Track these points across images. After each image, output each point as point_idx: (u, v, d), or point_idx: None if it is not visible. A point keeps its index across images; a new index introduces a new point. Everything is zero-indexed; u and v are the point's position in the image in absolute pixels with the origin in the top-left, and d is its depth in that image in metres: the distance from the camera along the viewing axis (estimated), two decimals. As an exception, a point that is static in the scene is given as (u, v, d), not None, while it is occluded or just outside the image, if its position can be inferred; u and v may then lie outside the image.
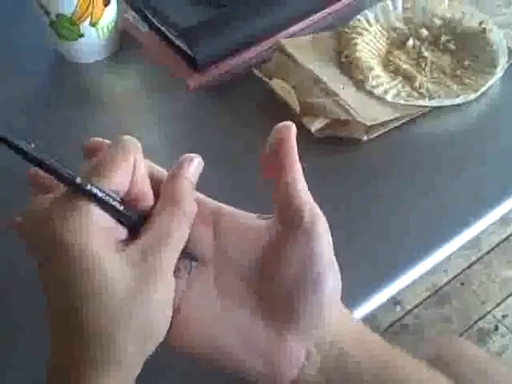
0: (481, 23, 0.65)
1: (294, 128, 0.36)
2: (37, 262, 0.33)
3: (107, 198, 0.31)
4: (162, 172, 0.37)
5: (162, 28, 0.67)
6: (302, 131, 0.57)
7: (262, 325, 0.36)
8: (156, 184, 0.36)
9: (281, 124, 0.36)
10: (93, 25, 0.64)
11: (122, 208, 0.32)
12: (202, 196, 0.38)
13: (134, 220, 0.33)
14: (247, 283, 0.36)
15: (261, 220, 0.38)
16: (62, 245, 0.30)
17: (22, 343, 0.46)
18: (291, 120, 0.36)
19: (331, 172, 0.57)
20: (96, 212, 0.31)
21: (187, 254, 0.36)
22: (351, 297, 0.46)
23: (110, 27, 0.66)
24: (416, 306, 1.43)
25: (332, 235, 0.37)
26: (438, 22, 0.66)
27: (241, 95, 0.64)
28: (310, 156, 0.56)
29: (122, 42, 0.70)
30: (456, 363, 0.67)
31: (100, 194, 0.31)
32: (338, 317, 0.37)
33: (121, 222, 0.33)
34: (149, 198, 0.35)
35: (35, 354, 0.44)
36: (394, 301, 1.42)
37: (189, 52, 0.64)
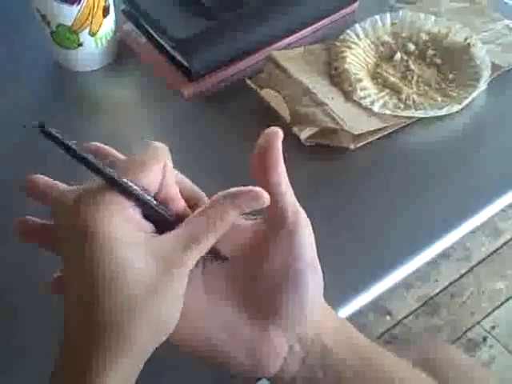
0: (466, 39, 0.67)
1: (280, 133, 0.38)
2: (61, 252, 0.34)
3: (142, 193, 0.33)
4: (189, 182, 0.39)
5: (159, 39, 0.69)
6: (292, 139, 0.59)
7: (246, 319, 0.37)
8: (184, 192, 0.38)
9: (269, 129, 0.38)
10: (92, 34, 0.66)
11: (155, 203, 0.34)
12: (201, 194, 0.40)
13: (167, 217, 0.35)
14: (233, 280, 0.38)
15: (247, 220, 0.40)
16: (90, 233, 0.31)
17: (24, 341, 0.48)
18: (282, 128, 0.38)
19: (320, 178, 0.59)
20: (126, 204, 0.33)
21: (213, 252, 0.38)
22: (336, 297, 0.48)
23: (108, 37, 0.68)
24: (406, 317, 1.45)
25: (319, 240, 0.39)
26: (424, 36, 0.68)
27: (234, 104, 0.66)
28: (300, 163, 0.59)
29: (120, 52, 0.72)
30: (443, 368, 0.68)
31: (135, 188, 0.33)
32: (322, 315, 0.39)
33: (149, 218, 0.35)
34: (177, 202, 0.36)
35: (38, 352, 0.45)
36: (385, 311, 1.44)
37: (184, 62, 0.66)
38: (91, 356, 0.31)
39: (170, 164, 0.36)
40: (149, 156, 0.34)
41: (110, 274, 0.31)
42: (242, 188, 0.35)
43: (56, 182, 0.38)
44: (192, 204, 0.38)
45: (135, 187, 0.33)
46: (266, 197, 0.35)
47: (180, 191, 0.37)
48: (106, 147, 0.40)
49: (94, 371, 0.31)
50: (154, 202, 0.34)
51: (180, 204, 0.37)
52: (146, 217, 0.35)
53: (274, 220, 0.37)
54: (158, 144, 0.36)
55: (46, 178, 0.38)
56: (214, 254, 0.37)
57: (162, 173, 0.35)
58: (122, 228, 0.32)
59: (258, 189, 0.35)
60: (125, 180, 0.32)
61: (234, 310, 0.37)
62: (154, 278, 0.32)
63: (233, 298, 0.38)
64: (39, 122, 0.30)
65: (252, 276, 0.38)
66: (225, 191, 0.35)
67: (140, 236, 0.33)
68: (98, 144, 0.40)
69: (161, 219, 0.35)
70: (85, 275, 0.32)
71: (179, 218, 0.36)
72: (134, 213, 0.33)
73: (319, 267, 0.38)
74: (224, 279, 0.38)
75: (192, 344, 0.37)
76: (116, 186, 0.32)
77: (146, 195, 0.34)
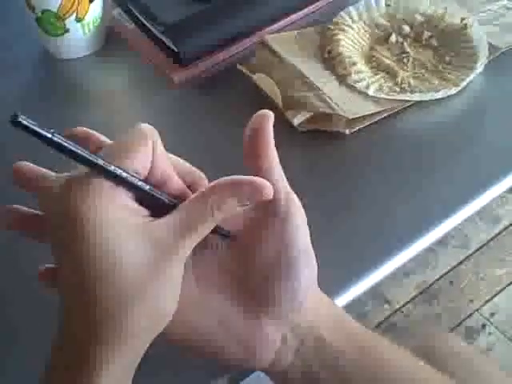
0: (462, 20, 0.65)
1: (271, 116, 0.37)
2: (51, 241, 0.33)
3: (132, 177, 0.32)
4: (184, 162, 0.38)
5: (147, 24, 0.68)
6: (285, 125, 0.58)
7: (239, 309, 0.36)
8: (180, 172, 0.36)
9: (259, 112, 0.37)
10: (78, 20, 0.64)
11: (148, 188, 0.33)
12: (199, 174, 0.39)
13: (163, 200, 0.34)
14: (224, 268, 0.37)
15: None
16: (80, 219, 0.30)
17: (21, 337, 0.47)
18: (274, 114, 0.37)
19: (314, 165, 0.57)
20: (117, 190, 0.31)
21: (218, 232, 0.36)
22: (333, 285, 0.47)
23: (95, 23, 0.66)
24: (404, 305, 1.44)
25: (315, 227, 0.38)
26: (420, 18, 0.67)
27: (225, 90, 0.64)
28: (293, 149, 0.57)
29: (108, 38, 0.70)
30: (441, 356, 0.67)
31: (124, 175, 0.31)
32: (316, 303, 0.38)
33: (143, 203, 0.33)
34: (173, 182, 0.35)
35: (35, 348, 0.44)
36: (383, 299, 1.43)
37: (174, 48, 0.65)
38: (89, 344, 0.30)
39: (159, 144, 0.34)
40: (135, 138, 0.33)
41: (105, 260, 0.30)
42: (245, 177, 0.34)
43: (42, 169, 0.37)
44: (190, 184, 0.37)
45: (124, 173, 0.31)
46: (269, 189, 0.34)
47: (176, 172, 0.36)
48: (93, 132, 0.38)
49: (92, 360, 0.30)
50: (146, 185, 0.33)
51: (177, 184, 0.35)
52: (141, 202, 0.33)
53: (266, 207, 0.36)
54: (144, 125, 0.34)
55: (32, 165, 0.37)
56: (215, 232, 0.36)
57: (151, 154, 0.33)
58: (114, 214, 0.31)
59: (262, 180, 0.34)
60: (112, 166, 0.31)
61: (225, 299, 0.36)
62: (150, 265, 0.31)
63: (224, 287, 0.37)
64: (11, 116, 0.27)
65: (244, 264, 0.37)
66: (226, 178, 0.34)
67: (134, 221, 0.32)
68: (84, 129, 0.38)
69: (156, 202, 0.34)
70: (78, 263, 0.31)
71: (178, 198, 0.35)
72: (125, 198, 0.32)
73: (313, 254, 0.37)
74: (215, 267, 0.37)
75: (183, 336, 0.36)
76: (104, 173, 0.31)
77: (136, 179, 0.32)
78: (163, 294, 0.32)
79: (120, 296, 0.30)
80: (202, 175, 0.38)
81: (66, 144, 0.30)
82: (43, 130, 0.29)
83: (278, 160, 0.37)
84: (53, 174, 0.36)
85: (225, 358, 0.37)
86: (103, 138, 0.39)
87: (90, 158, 0.31)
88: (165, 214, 0.33)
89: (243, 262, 0.37)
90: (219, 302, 0.36)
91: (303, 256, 0.36)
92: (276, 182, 0.36)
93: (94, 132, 0.39)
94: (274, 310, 0.36)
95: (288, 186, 0.37)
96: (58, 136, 0.29)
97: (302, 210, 0.37)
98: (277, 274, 0.36)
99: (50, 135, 0.29)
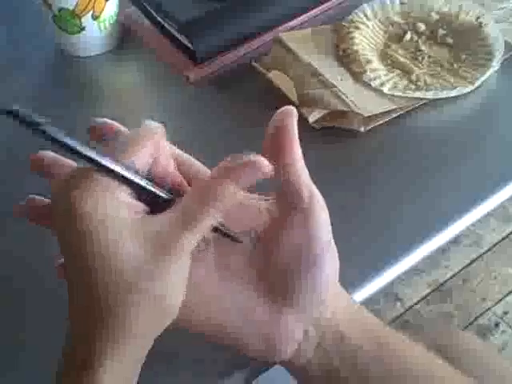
0: (477, 18, 0.65)
1: (294, 112, 0.37)
2: (57, 235, 0.33)
3: (130, 174, 0.32)
4: (187, 157, 0.38)
5: (163, 22, 0.68)
6: (300, 122, 0.57)
7: (260, 302, 0.36)
8: (182, 168, 0.37)
9: (282, 108, 0.37)
10: (94, 18, 0.65)
11: (146, 184, 0.33)
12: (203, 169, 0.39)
13: (162, 195, 0.34)
14: (246, 262, 0.37)
15: (261, 201, 0.39)
16: (79, 215, 0.30)
17: (24, 331, 0.47)
18: None
19: (330, 162, 0.57)
20: (113, 185, 0.31)
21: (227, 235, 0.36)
22: (349, 282, 0.47)
23: (111, 21, 0.67)
24: (417, 303, 1.44)
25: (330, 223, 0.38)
26: (435, 16, 0.66)
27: (240, 88, 0.64)
28: (309, 147, 0.57)
29: (123, 36, 0.71)
30: (456, 354, 0.67)
31: (122, 171, 0.31)
32: (336, 297, 0.38)
33: (142, 198, 0.33)
34: (173, 179, 0.35)
35: (40, 344, 0.45)
36: (395, 297, 1.43)
37: (189, 45, 0.65)
38: (93, 341, 0.31)
39: (163, 140, 0.34)
40: (138, 134, 0.33)
41: (101, 256, 0.30)
42: (241, 160, 0.32)
43: (60, 157, 0.37)
44: (191, 178, 0.37)
45: (122, 169, 0.31)
46: (266, 165, 0.32)
47: (179, 167, 0.36)
48: (116, 124, 0.38)
49: (97, 357, 0.30)
50: (145, 180, 0.33)
51: (178, 179, 0.35)
52: (140, 198, 0.33)
53: (288, 202, 0.36)
54: (149, 122, 0.35)
55: (51, 154, 0.37)
56: (224, 235, 0.36)
57: (153, 150, 0.33)
58: (111, 209, 0.31)
59: (257, 157, 0.32)
60: (113, 164, 0.31)
61: (247, 294, 0.37)
62: (149, 261, 0.31)
63: (247, 281, 0.37)
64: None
65: (266, 259, 0.37)
66: (220, 165, 0.33)
67: (132, 217, 0.32)
68: (107, 120, 0.38)
69: (154, 198, 0.33)
70: (77, 259, 0.31)
71: (176, 194, 0.34)
72: (123, 194, 0.32)
73: (335, 250, 0.38)
74: (237, 263, 0.37)
75: (205, 329, 0.36)
76: (100, 167, 0.31)
77: (134, 175, 0.32)
78: (165, 293, 0.32)
79: (120, 294, 0.30)
80: (208, 171, 0.38)
81: (59, 137, 0.29)
82: (34, 119, 0.27)
83: (301, 155, 0.37)
84: (71, 162, 0.36)
85: (245, 351, 0.37)
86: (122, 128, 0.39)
87: (86, 153, 0.30)
88: (165, 210, 0.33)
89: (265, 257, 0.37)
90: (241, 297, 0.36)
91: (326, 252, 0.36)
92: (299, 175, 0.36)
93: (114, 122, 0.38)
94: (296, 304, 0.36)
95: (311, 182, 0.37)
96: (52, 128, 0.28)
97: (325, 205, 0.37)
98: (299, 269, 0.36)
99: (43, 127, 0.28)
